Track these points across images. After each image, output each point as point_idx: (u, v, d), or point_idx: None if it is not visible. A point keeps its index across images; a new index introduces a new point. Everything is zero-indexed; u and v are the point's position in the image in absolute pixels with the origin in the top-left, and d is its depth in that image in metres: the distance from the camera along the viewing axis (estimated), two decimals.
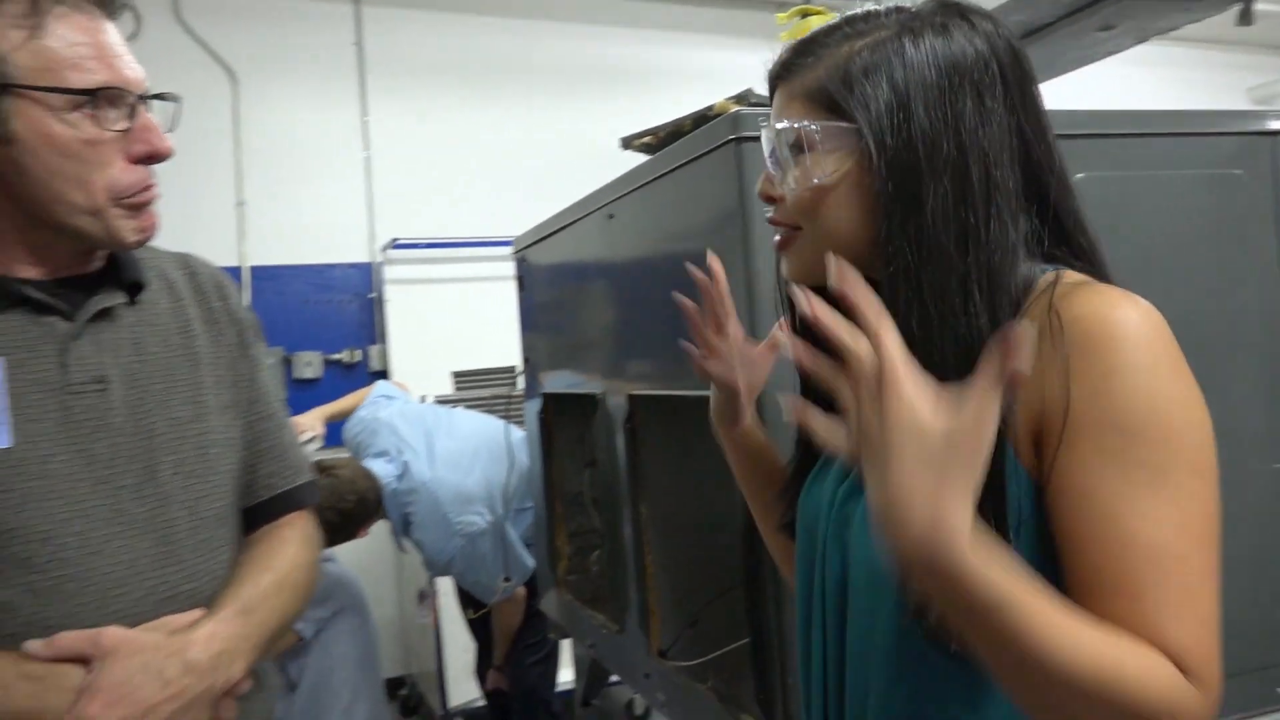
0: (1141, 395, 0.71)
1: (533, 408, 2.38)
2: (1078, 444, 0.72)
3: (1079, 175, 1.44)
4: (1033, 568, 0.66)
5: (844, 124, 0.81)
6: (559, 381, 2.22)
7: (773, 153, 0.88)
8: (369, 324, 4.62)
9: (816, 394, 0.81)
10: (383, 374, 4.47)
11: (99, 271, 1.09)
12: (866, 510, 0.71)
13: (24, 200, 1.00)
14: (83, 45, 0.98)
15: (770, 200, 0.89)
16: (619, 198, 1.70)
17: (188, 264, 1.21)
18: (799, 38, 0.87)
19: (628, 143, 1.70)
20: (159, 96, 1.06)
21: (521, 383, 2.51)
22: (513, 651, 3.17)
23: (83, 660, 0.95)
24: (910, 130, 0.79)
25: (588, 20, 5.00)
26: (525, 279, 2.44)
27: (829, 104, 0.82)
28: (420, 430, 2.91)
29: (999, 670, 0.68)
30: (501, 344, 3.53)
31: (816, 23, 2.31)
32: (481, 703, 3.67)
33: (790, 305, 0.96)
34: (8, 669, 0.93)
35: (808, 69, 0.84)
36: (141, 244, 1.07)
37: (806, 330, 0.81)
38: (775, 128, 0.85)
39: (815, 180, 0.83)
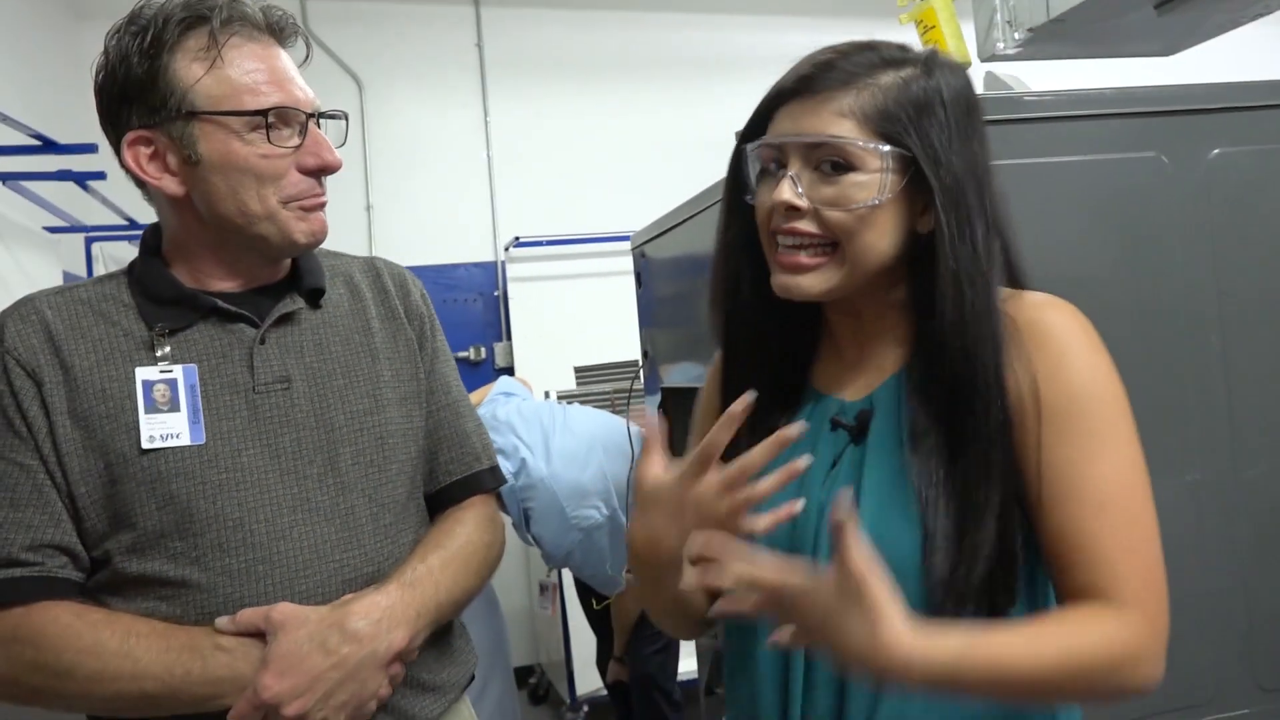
0: (1086, 374, 0.88)
1: (652, 402, 2.39)
2: (1042, 426, 0.87)
3: (1215, 151, 1.37)
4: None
5: (901, 150, 0.88)
6: (678, 375, 2.22)
7: (780, 161, 0.92)
8: (494, 321, 4.72)
9: None
10: (509, 370, 4.57)
11: (284, 280, 1.18)
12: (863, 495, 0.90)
13: (211, 215, 1.10)
14: (257, 71, 1.08)
15: (792, 210, 0.91)
16: None
17: (374, 266, 1.29)
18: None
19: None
20: (331, 115, 1.16)
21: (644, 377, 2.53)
22: (632, 642, 3.19)
23: (261, 635, 1.04)
24: (956, 164, 0.89)
25: (706, 9, 4.97)
26: (643, 274, 2.45)
27: (884, 130, 0.88)
28: (537, 428, 2.96)
29: (998, 699, 0.87)
30: (622, 339, 3.56)
31: (939, 3, 2.23)
32: (606, 693, 3.72)
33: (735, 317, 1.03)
34: (206, 641, 1.03)
35: (843, 89, 0.89)
36: (312, 245, 1.15)
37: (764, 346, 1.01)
38: (823, 139, 0.89)
39: (871, 202, 0.88)
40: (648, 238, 2.36)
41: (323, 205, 1.14)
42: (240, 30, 1.08)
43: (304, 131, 1.10)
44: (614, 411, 3.45)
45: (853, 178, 0.88)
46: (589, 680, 3.86)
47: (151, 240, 1.17)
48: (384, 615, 1.07)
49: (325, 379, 1.15)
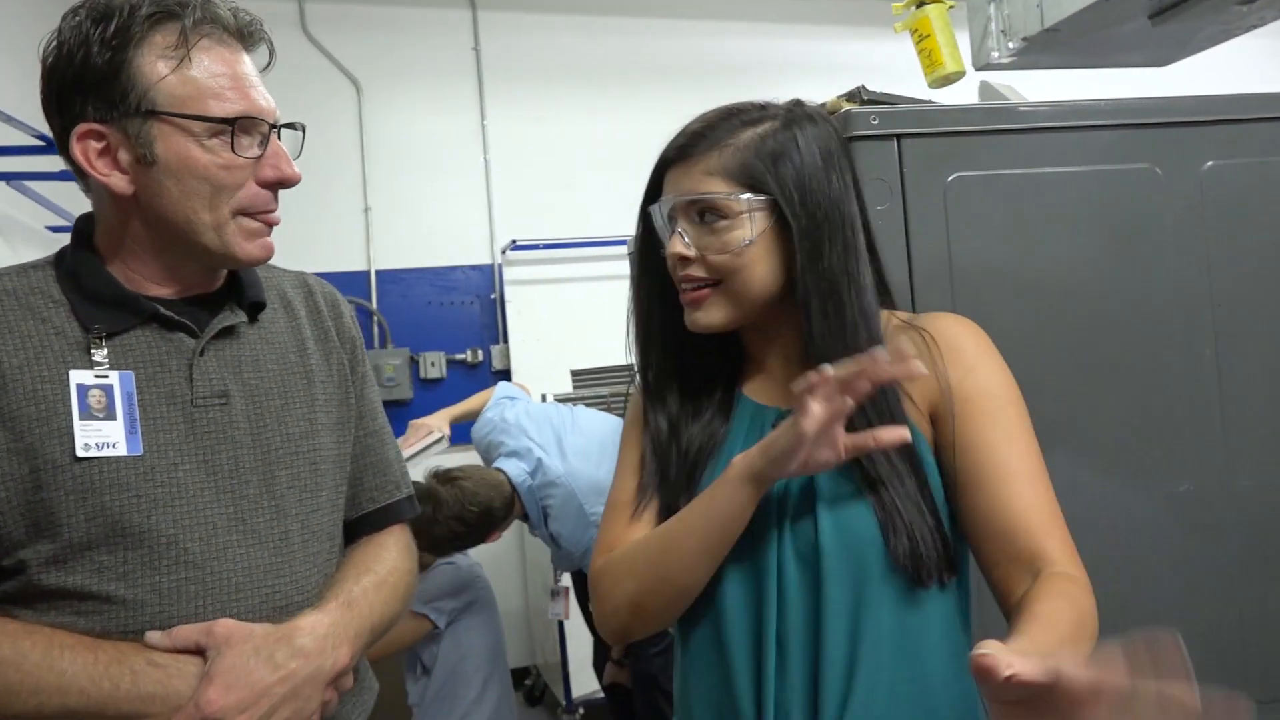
0: (988, 372, 1.03)
1: None
2: (962, 412, 1.01)
3: (1209, 163, 1.38)
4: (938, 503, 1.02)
5: (763, 197, 1.01)
6: None
7: (671, 218, 1.05)
8: (491, 324, 4.72)
9: None
10: (505, 374, 4.58)
11: (222, 290, 1.14)
12: (825, 498, 1.01)
13: (157, 218, 1.05)
14: (223, 76, 1.03)
15: (683, 260, 1.04)
16: None
17: (305, 282, 1.25)
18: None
19: None
20: (289, 126, 1.11)
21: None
22: (634, 644, 3.20)
23: (199, 651, 1.00)
24: (812, 201, 1.01)
25: (702, 15, 4.99)
26: None
27: (748, 181, 1.01)
28: (548, 427, 2.97)
29: None
30: (619, 342, 3.56)
31: (933, 13, 2.24)
32: (603, 695, 3.73)
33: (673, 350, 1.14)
34: (137, 656, 0.98)
35: (710, 152, 1.03)
36: (256, 263, 1.11)
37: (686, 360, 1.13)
38: (695, 197, 1.02)
39: (744, 243, 1.02)
40: None
41: (273, 225, 1.10)
42: (210, 32, 1.03)
43: (265, 143, 1.06)
44: (611, 414, 3.46)
45: (725, 225, 1.02)
46: (585, 682, 3.87)
47: (83, 233, 1.10)
48: (328, 632, 1.05)
49: (263, 397, 1.11)
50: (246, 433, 1.08)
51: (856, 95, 1.51)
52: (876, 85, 1.59)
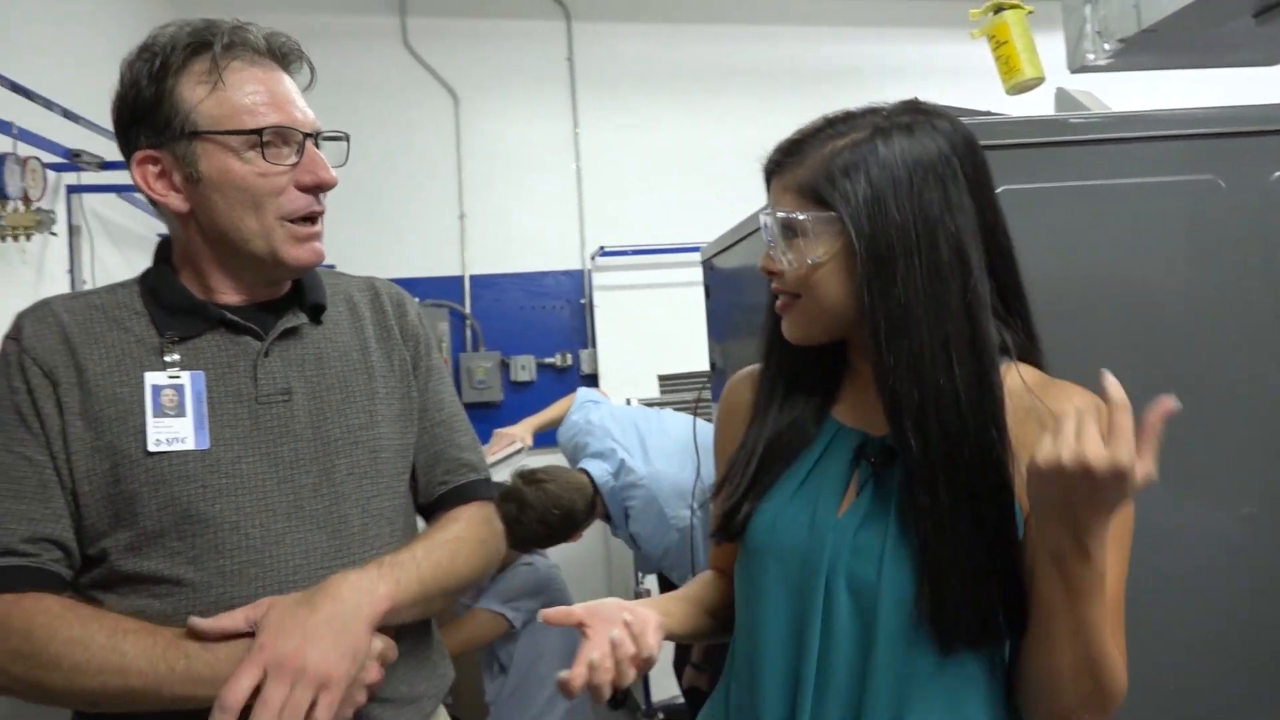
0: None
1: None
2: None
3: (1276, 174, 1.33)
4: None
5: (829, 214, 0.97)
6: None
7: (770, 233, 1.03)
8: (580, 329, 4.80)
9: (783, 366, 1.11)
10: (593, 378, 4.65)
11: (288, 296, 1.23)
12: (882, 542, 0.96)
13: (212, 230, 1.14)
14: (257, 93, 1.12)
15: (771, 274, 1.05)
16: None
17: (372, 286, 1.33)
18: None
19: None
20: (334, 137, 1.20)
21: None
22: (714, 648, 3.21)
23: (250, 633, 1.05)
24: (884, 219, 0.95)
25: (792, 21, 4.98)
26: (711, 286, 2.48)
27: (816, 197, 0.99)
28: (631, 429, 3.02)
29: (1069, 625, 0.90)
30: (704, 348, 3.59)
31: (1011, 18, 2.21)
32: (682, 700, 3.75)
33: (769, 350, 1.14)
34: (191, 641, 1.04)
35: (796, 166, 1.01)
36: (300, 270, 1.19)
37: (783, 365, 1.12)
38: (772, 216, 1.02)
39: (810, 261, 0.99)
40: (716, 250, 2.38)
41: (318, 232, 1.18)
42: (241, 55, 1.13)
43: (301, 150, 1.14)
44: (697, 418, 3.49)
45: (800, 241, 1.00)
46: (666, 687, 3.90)
47: (163, 251, 1.21)
48: (362, 579, 1.09)
49: (324, 393, 1.18)
50: (307, 426, 1.16)
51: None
52: (970, 90, 1.58)
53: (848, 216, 0.96)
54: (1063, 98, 2.05)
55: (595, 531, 4.74)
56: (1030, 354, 1.05)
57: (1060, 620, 0.89)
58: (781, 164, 1.03)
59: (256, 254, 1.15)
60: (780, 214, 1.00)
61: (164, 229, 3.38)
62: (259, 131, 1.11)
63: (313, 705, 1.00)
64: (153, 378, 1.11)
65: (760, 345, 1.15)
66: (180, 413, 1.10)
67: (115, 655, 1.02)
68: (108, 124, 1.16)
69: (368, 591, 1.07)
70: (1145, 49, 2.06)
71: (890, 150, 0.96)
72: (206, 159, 1.11)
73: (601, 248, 4.67)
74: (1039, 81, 2.05)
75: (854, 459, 1.05)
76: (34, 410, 1.09)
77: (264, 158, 1.12)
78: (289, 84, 1.17)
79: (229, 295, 1.19)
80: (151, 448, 1.08)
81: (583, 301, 4.78)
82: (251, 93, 1.12)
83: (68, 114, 2.34)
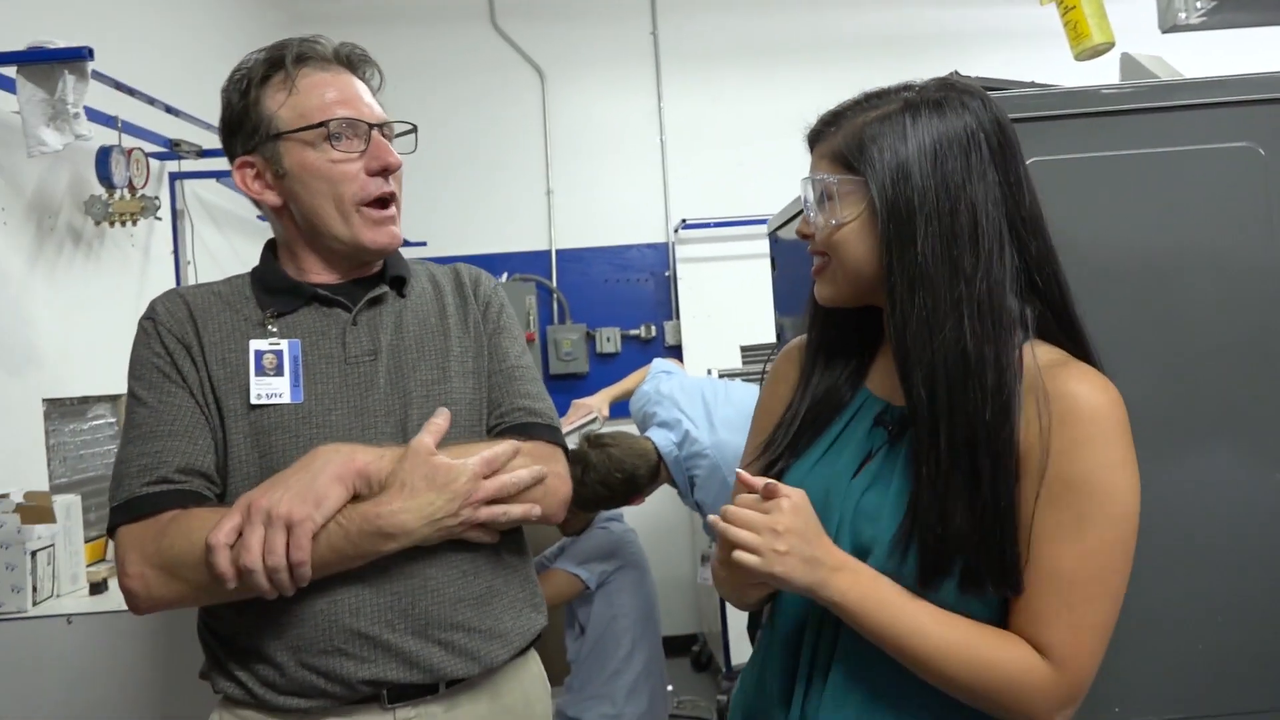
0: (1092, 463, 0.95)
1: None
2: (1048, 493, 0.96)
3: None
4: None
5: (856, 178, 1.03)
6: None
7: (807, 198, 1.09)
8: (664, 301, 4.86)
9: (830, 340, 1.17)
10: (677, 349, 4.71)
11: (377, 274, 1.38)
12: (884, 501, 1.02)
13: (301, 218, 1.31)
14: (325, 93, 1.29)
15: (805, 237, 1.11)
16: None
17: (455, 269, 1.47)
18: (854, 97, 1.09)
19: None
20: (400, 124, 1.35)
21: None
22: None
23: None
24: (907, 184, 1.00)
25: None
26: (777, 259, 2.51)
27: (845, 163, 1.05)
28: (699, 400, 3.09)
29: (891, 653, 0.99)
30: None
31: None
32: None
33: (813, 320, 1.19)
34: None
35: (833, 135, 1.07)
36: (378, 252, 1.33)
37: (824, 335, 1.18)
38: (810, 180, 1.08)
39: (834, 222, 1.05)
40: (781, 222, 2.41)
41: (392, 215, 1.32)
42: (311, 64, 1.30)
43: (369, 139, 1.29)
44: None
45: (830, 204, 1.06)
46: (745, 650, 3.97)
47: (270, 246, 1.40)
48: (344, 447, 1.19)
49: (402, 353, 1.32)
50: (387, 381, 1.30)
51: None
52: (1045, 56, 1.56)
53: (872, 180, 1.01)
54: (1129, 64, 2.01)
55: (678, 501, 4.82)
56: (1054, 333, 1.06)
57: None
58: (821, 133, 1.10)
59: (339, 237, 1.30)
60: (814, 178, 1.07)
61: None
62: (325, 124, 1.27)
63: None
64: (256, 344, 1.28)
65: (805, 316, 1.21)
66: (279, 372, 1.27)
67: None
68: (204, 115, 1.30)
69: (344, 454, 1.18)
70: (1242, 6, 1.99)
71: (917, 123, 1.02)
72: (288, 156, 1.28)
73: (684, 220, 4.71)
74: (1109, 46, 2.01)
75: (873, 426, 1.10)
76: (175, 369, 1.27)
77: (333, 147, 1.27)
78: (356, 84, 1.33)
79: (323, 275, 1.35)
80: (254, 401, 1.25)
81: (666, 274, 4.84)
82: (319, 93, 1.28)
83: (169, 108, 2.50)
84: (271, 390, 1.26)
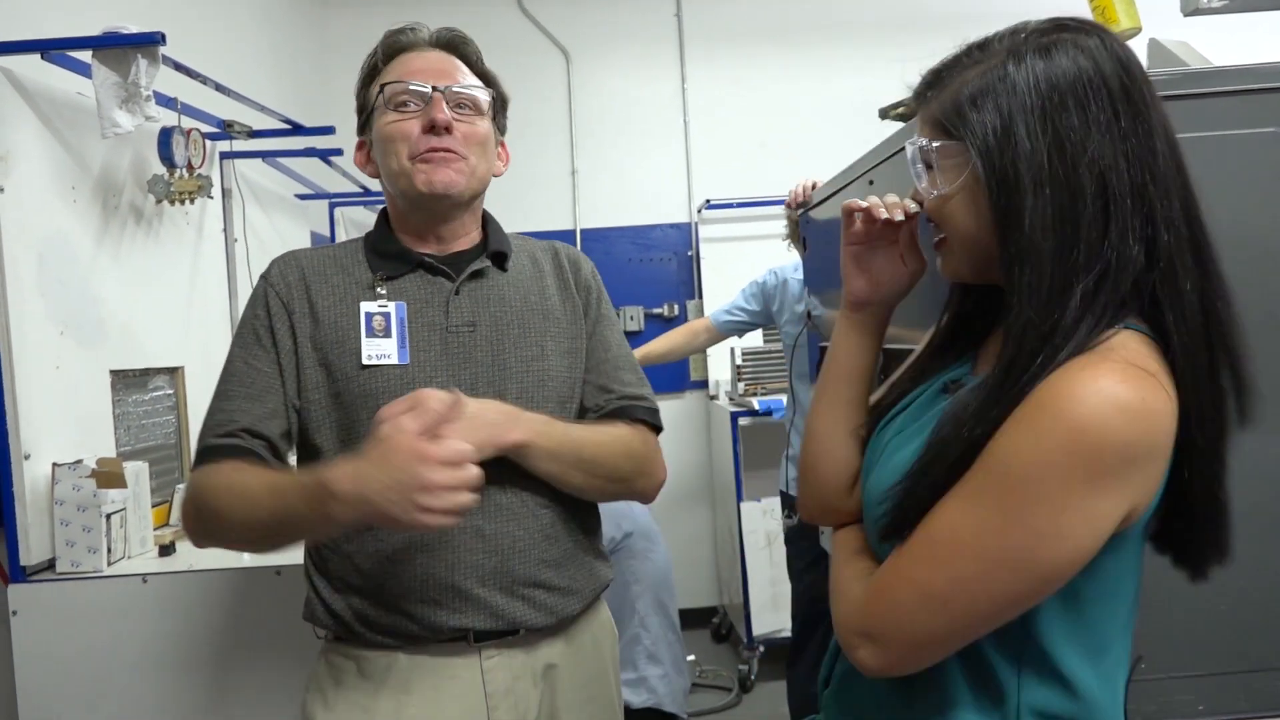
0: (1015, 449, 0.84)
1: (814, 359, 2.54)
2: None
3: None
4: None
5: (956, 144, 0.93)
6: None
7: (913, 169, 1.01)
8: (687, 280, 4.95)
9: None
10: None
11: (478, 246, 1.46)
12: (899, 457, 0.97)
13: (387, 184, 1.41)
14: (399, 69, 1.40)
15: (923, 206, 1.03)
16: (879, 164, 1.81)
17: (554, 247, 1.55)
18: (956, 51, 0.99)
19: (885, 113, 1.80)
20: (466, 89, 1.40)
21: None
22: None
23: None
24: (1013, 149, 0.89)
25: None
26: (808, 239, 2.59)
27: (945, 129, 0.95)
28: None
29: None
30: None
31: None
32: (783, 634, 3.93)
33: (949, 294, 1.11)
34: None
35: (935, 97, 0.98)
36: (434, 193, 1.36)
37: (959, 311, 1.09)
38: (912, 146, 0.99)
39: (932, 193, 0.97)
40: (812, 202, 2.49)
41: (442, 157, 1.35)
42: (394, 49, 1.42)
43: (429, 103, 1.36)
44: None
45: (933, 175, 0.97)
46: (766, 621, 4.08)
47: (384, 215, 1.48)
48: (511, 410, 1.30)
49: (504, 328, 1.39)
50: (487, 353, 1.37)
51: None
52: None
53: (973, 147, 0.91)
54: (1156, 50, 2.07)
55: (697, 466, 4.92)
56: (1163, 325, 0.89)
57: None
58: (924, 95, 1.00)
59: (404, 191, 1.38)
60: (913, 143, 0.98)
61: (300, 189, 3.68)
62: (381, 89, 1.38)
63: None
64: (366, 306, 1.36)
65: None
66: (387, 334, 1.35)
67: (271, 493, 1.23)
68: (254, 95, 1.38)
69: (509, 418, 1.28)
70: None
71: (1021, 74, 0.89)
72: (373, 129, 1.41)
73: (708, 200, 4.79)
74: (1135, 32, 2.07)
75: (940, 392, 1.08)
76: (270, 332, 1.36)
77: (392, 110, 1.37)
78: (432, 57, 1.41)
79: (427, 245, 1.43)
80: (365, 362, 1.33)
81: (690, 254, 4.92)
82: (395, 71, 1.40)
83: (219, 87, 2.58)
84: (381, 351, 1.33)
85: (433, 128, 1.35)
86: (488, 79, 1.46)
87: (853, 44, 4.88)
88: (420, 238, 1.43)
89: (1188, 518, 0.92)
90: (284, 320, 1.36)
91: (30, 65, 2.08)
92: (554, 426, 1.33)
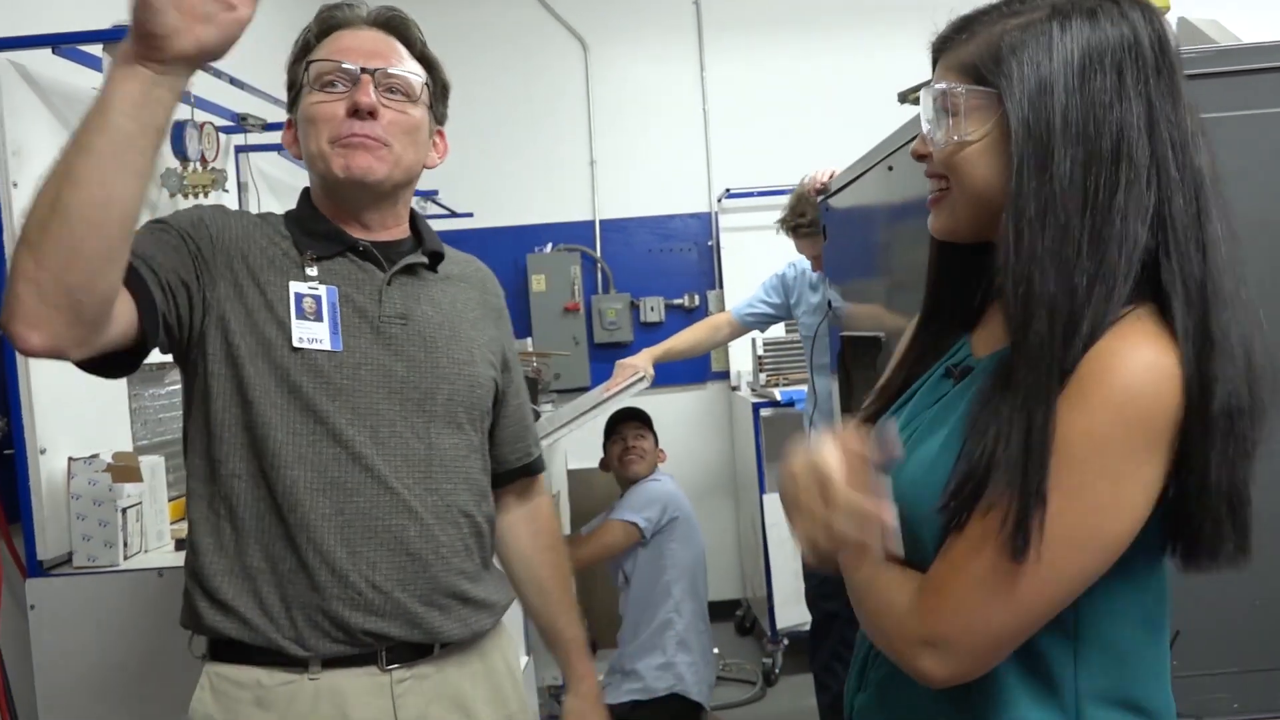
0: (1069, 425, 0.83)
1: (834, 350, 2.51)
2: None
3: None
4: None
5: (989, 90, 0.91)
6: (857, 325, 2.32)
7: (927, 113, 0.97)
8: (708, 270, 4.91)
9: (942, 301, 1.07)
10: None
11: (410, 241, 1.42)
12: (931, 449, 0.95)
13: (308, 164, 1.35)
14: (328, 48, 1.34)
15: (921, 158, 1.00)
16: (897, 150, 1.77)
17: (474, 262, 1.55)
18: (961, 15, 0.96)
19: (904, 97, 1.76)
20: (393, 77, 1.34)
21: None
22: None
23: None
24: (1049, 104, 0.88)
25: None
26: (829, 226, 2.55)
27: (977, 76, 0.92)
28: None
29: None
30: None
31: None
32: (807, 627, 3.89)
33: (930, 260, 1.08)
34: None
35: (964, 44, 0.95)
36: (350, 179, 1.30)
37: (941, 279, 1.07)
38: (932, 89, 0.96)
39: (955, 138, 0.93)
40: (832, 190, 2.45)
41: (361, 142, 1.29)
42: (328, 26, 1.36)
43: (356, 85, 1.29)
44: None
45: (954, 121, 0.94)
46: (789, 615, 4.04)
47: (304, 195, 1.41)
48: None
49: (435, 328, 1.36)
50: (419, 349, 1.34)
51: None
52: None
53: (1008, 95, 0.89)
54: (1186, 28, 2.02)
55: (720, 458, 4.89)
56: (1171, 307, 0.88)
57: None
58: (949, 40, 0.97)
59: (322, 175, 1.33)
60: (939, 87, 0.95)
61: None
62: (308, 67, 1.32)
63: None
64: (296, 286, 1.29)
65: (929, 263, 1.11)
66: (319, 318, 1.29)
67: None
68: (269, 89, 1.35)
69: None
70: None
71: (1065, 34, 0.89)
72: (299, 108, 1.35)
73: (728, 190, 4.75)
74: (1164, 11, 2.01)
75: (943, 376, 1.05)
76: (192, 236, 1.26)
77: (317, 91, 1.31)
78: (366, 37, 1.35)
79: (352, 231, 1.36)
80: (295, 345, 1.26)
81: (710, 244, 4.88)
82: (325, 50, 1.34)
83: (234, 81, 2.57)
84: (312, 335, 1.28)
85: (355, 111, 1.29)
86: (430, 63, 1.40)
87: (872, 30, 4.80)
88: (343, 223, 1.36)
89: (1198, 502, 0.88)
90: (207, 240, 1.27)
91: (42, 60, 2.07)
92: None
